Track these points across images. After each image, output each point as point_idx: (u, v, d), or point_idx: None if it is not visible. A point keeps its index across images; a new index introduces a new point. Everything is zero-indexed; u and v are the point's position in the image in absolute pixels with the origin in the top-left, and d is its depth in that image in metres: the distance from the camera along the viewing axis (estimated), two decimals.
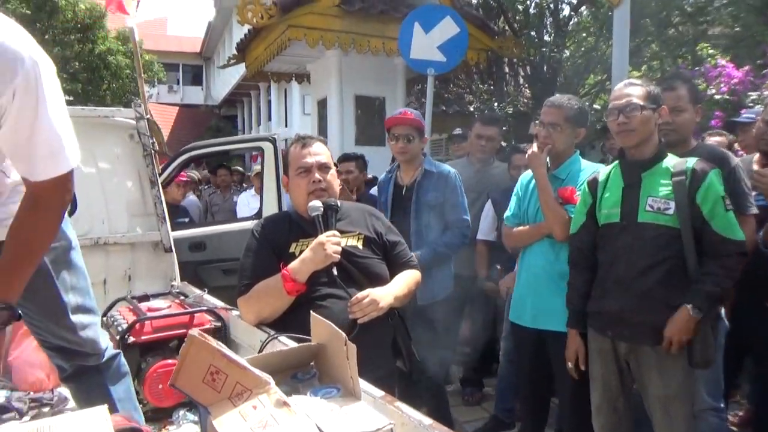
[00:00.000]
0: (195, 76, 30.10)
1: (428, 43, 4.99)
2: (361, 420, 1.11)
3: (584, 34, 9.23)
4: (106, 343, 1.81)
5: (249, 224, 3.50)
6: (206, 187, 7.46)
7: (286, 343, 1.69)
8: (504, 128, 5.99)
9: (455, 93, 9.91)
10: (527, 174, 2.66)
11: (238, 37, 9.19)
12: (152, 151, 2.85)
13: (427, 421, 1.17)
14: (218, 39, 25.25)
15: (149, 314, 2.20)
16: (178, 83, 29.20)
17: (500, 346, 3.35)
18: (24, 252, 1.40)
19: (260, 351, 1.75)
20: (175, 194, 5.07)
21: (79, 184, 1.48)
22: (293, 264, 1.86)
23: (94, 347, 1.75)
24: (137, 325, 2.13)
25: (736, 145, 3.61)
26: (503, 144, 5.05)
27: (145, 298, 2.55)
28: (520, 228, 2.61)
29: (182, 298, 2.56)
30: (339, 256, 1.87)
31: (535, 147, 2.49)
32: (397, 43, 5.22)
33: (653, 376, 2.06)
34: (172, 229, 3.04)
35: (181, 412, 2.08)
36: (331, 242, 1.86)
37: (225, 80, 22.94)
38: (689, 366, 2.02)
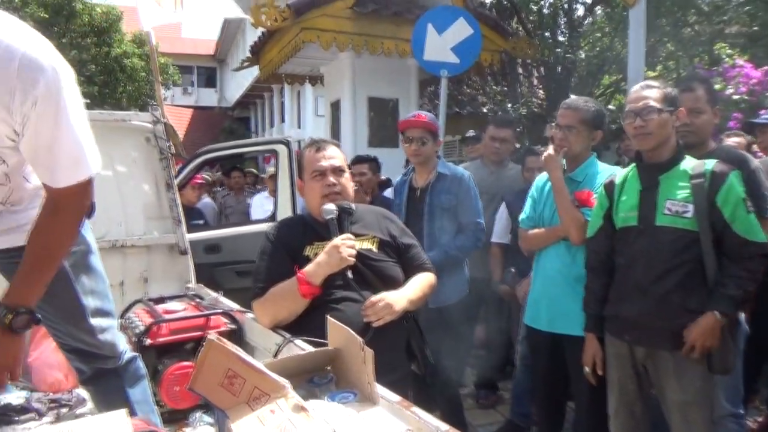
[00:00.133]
0: (209, 78, 30.35)
1: (441, 45, 4.98)
2: (379, 426, 1.11)
3: (599, 34, 9.16)
4: (123, 346, 1.84)
5: (263, 226, 3.51)
6: (220, 189, 7.51)
7: (301, 346, 1.69)
8: (518, 129, 5.96)
9: (468, 94, 9.88)
10: (543, 176, 2.63)
11: (251, 40, 9.23)
12: (169, 155, 2.88)
13: (444, 427, 1.16)
14: (232, 41, 25.43)
15: (166, 317, 2.21)
16: (192, 85, 29.47)
17: (516, 349, 3.33)
18: (44, 257, 1.42)
19: (276, 354, 1.75)
20: (190, 196, 5.11)
21: (97, 187, 1.50)
22: (308, 267, 1.86)
23: (112, 350, 1.77)
24: (154, 328, 2.14)
25: (754, 147, 3.57)
26: (517, 146, 5.02)
27: (161, 300, 2.56)
28: (536, 231, 2.59)
29: (198, 300, 2.57)
30: (354, 260, 1.87)
31: (551, 149, 2.47)
32: (411, 45, 5.21)
33: (671, 381, 2.03)
34: (188, 232, 3.06)
35: (198, 414, 2.08)
36: (346, 245, 1.86)
37: (238, 82, 23.07)
38: (708, 372, 1.99)
